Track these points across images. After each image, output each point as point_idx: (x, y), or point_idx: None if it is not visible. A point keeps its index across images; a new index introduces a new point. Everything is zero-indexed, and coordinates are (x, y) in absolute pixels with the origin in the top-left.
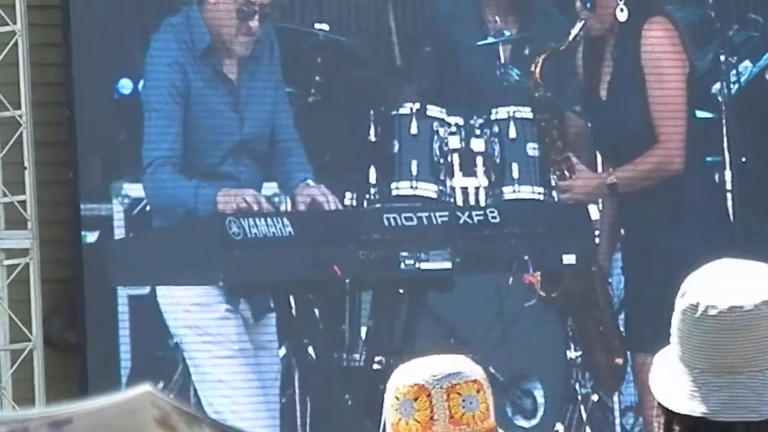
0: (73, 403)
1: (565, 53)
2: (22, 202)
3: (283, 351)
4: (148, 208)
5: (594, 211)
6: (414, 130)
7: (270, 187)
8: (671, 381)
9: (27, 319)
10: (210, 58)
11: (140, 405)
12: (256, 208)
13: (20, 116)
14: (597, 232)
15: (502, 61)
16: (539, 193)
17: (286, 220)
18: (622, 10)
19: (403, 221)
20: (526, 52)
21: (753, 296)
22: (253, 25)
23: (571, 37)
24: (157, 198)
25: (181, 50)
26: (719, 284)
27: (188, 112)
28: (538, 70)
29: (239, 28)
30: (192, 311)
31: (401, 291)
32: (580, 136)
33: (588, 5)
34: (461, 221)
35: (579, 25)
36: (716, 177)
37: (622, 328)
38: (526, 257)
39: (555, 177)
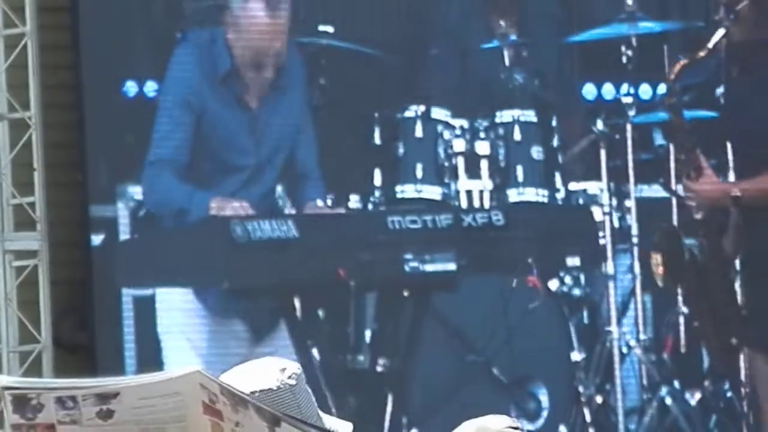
0: (123, 377)
1: (704, 60)
2: (32, 204)
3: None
4: (153, 209)
5: (598, 214)
6: (419, 133)
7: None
8: None
9: (36, 320)
10: (230, 82)
11: (187, 385)
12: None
13: (29, 118)
14: (601, 234)
15: (507, 64)
16: (543, 196)
17: (290, 223)
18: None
19: (408, 224)
20: (527, 54)
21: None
22: (266, 74)
23: (711, 45)
24: (152, 195)
25: (202, 69)
26: None
27: (200, 125)
28: (674, 76)
29: (257, 72)
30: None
31: (406, 293)
32: (708, 139)
33: (731, 15)
34: (465, 224)
35: (720, 32)
36: None
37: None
38: (530, 260)
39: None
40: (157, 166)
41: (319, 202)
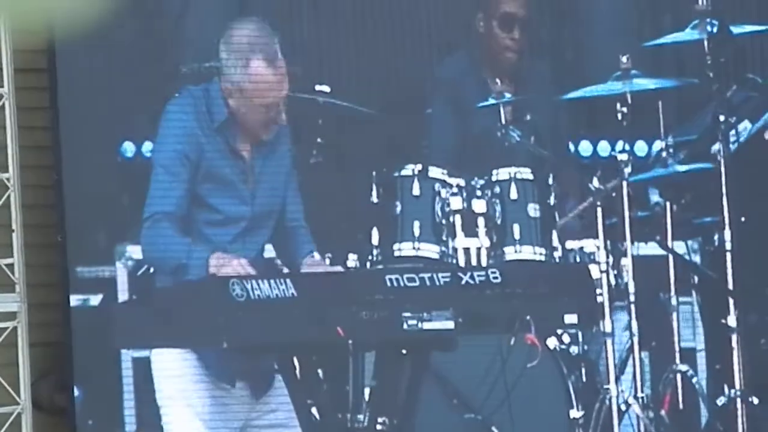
0: None
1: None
2: (10, 266)
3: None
4: (151, 270)
5: (595, 271)
6: (416, 191)
7: (270, 250)
8: None
9: (15, 382)
10: (225, 131)
11: None
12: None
13: (8, 179)
14: (599, 292)
15: (503, 122)
16: (540, 254)
17: (288, 282)
18: None
19: (406, 282)
20: (527, 114)
21: None
22: (280, 119)
23: None
24: (151, 252)
25: (198, 120)
26: None
27: (195, 177)
28: None
29: (266, 122)
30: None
31: (404, 351)
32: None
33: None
34: (463, 282)
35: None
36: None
37: None
38: (528, 317)
39: None
40: (155, 220)
41: (316, 255)
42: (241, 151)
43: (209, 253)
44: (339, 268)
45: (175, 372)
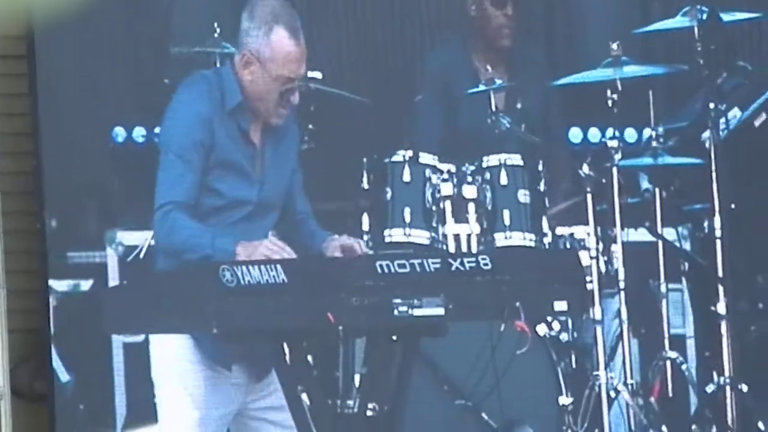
0: None
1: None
2: None
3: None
4: (141, 255)
5: (585, 258)
6: (407, 177)
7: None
8: None
9: None
10: (237, 115)
11: None
12: (277, 257)
13: None
14: (588, 279)
15: (494, 108)
16: (531, 240)
17: (279, 268)
18: None
19: (396, 268)
20: (517, 100)
21: None
22: (293, 99)
23: None
24: (170, 243)
25: (212, 104)
26: None
27: (207, 164)
28: None
29: (278, 102)
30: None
31: (394, 338)
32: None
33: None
34: (453, 268)
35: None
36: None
37: None
38: (517, 304)
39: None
40: (167, 210)
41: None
42: (252, 137)
43: (233, 242)
44: (367, 247)
45: (170, 354)
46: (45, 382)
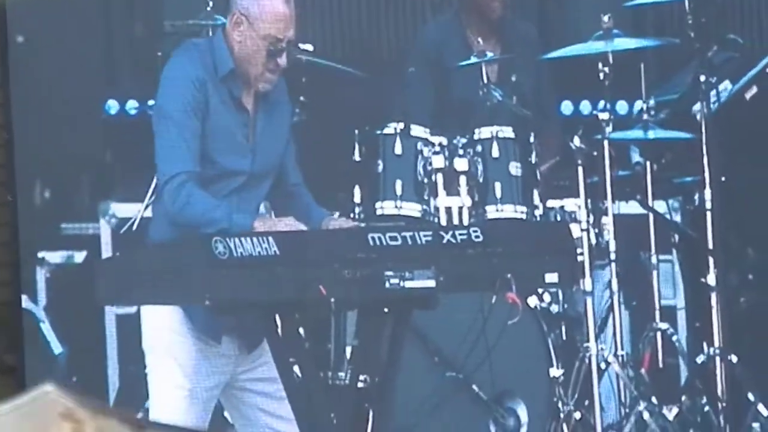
0: None
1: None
2: None
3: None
4: (134, 227)
5: (576, 230)
6: (398, 149)
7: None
8: None
9: None
10: (229, 82)
11: (42, 404)
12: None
13: None
14: (579, 251)
15: (485, 81)
16: (522, 212)
17: (271, 240)
18: None
19: (388, 240)
20: (509, 73)
21: None
22: (280, 61)
23: None
24: (185, 217)
25: (206, 71)
26: None
27: (205, 131)
28: None
29: (266, 65)
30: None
31: (386, 310)
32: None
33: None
34: (445, 240)
35: None
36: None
37: None
38: (509, 276)
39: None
40: (181, 182)
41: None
42: (245, 103)
43: (252, 216)
44: (362, 225)
45: (161, 324)
46: (15, 356)
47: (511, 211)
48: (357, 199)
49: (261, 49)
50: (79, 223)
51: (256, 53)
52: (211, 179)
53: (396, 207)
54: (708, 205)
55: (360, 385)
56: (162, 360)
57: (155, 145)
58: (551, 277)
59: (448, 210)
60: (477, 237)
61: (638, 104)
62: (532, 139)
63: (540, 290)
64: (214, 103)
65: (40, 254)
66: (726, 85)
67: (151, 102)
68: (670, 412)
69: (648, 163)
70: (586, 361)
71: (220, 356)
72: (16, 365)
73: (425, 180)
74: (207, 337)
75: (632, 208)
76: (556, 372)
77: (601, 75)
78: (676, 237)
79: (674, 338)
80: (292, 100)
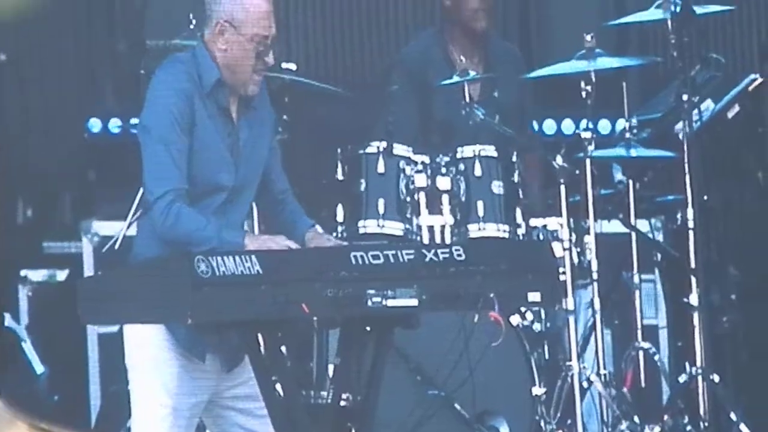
0: None
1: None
2: None
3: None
4: (117, 246)
5: (558, 249)
6: (381, 168)
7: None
8: None
9: None
10: (217, 92)
11: None
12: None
13: None
14: (561, 270)
15: (468, 100)
16: (504, 231)
17: (254, 259)
18: None
19: (371, 259)
20: (492, 91)
21: None
22: (268, 59)
23: None
24: (175, 235)
25: (192, 83)
26: None
27: (192, 146)
28: None
29: (254, 66)
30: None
31: (368, 328)
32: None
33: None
34: (427, 259)
35: None
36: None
37: None
38: (491, 294)
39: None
40: (169, 201)
41: (319, 228)
42: (231, 113)
43: (241, 234)
44: (344, 243)
45: (144, 341)
46: None
47: (493, 229)
48: (340, 217)
49: (249, 51)
50: (61, 242)
51: (243, 57)
52: (198, 196)
53: (378, 225)
54: (690, 224)
55: (342, 403)
56: (145, 377)
57: (143, 162)
58: (534, 296)
59: (431, 229)
60: (459, 256)
61: (621, 123)
62: (514, 158)
63: (522, 309)
64: (200, 117)
65: (22, 273)
66: (708, 104)
67: (134, 120)
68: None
69: (630, 182)
70: (569, 379)
71: (203, 373)
72: None
73: (408, 199)
74: (191, 355)
75: (614, 227)
76: (538, 391)
77: (584, 94)
78: (659, 256)
79: (656, 357)
80: (275, 118)
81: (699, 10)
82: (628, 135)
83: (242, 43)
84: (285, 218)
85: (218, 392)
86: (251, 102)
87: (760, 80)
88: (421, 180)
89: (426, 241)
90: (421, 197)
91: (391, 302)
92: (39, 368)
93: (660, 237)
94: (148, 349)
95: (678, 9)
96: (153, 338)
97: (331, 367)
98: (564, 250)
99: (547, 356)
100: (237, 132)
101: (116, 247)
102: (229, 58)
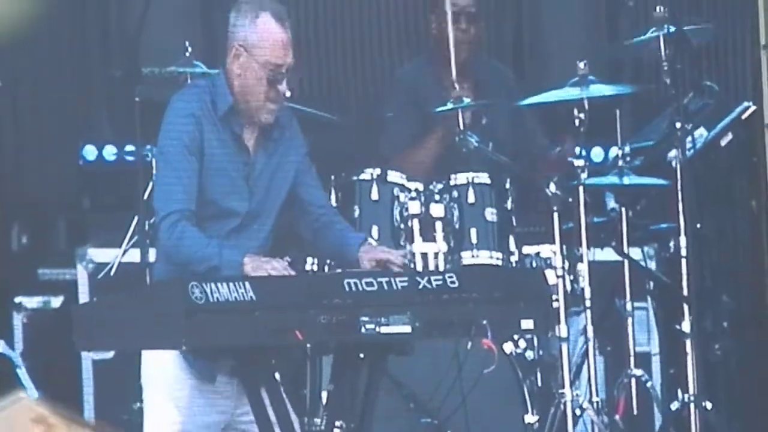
0: None
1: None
2: None
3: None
4: (112, 272)
5: (551, 276)
6: (375, 195)
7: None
8: None
9: None
10: (230, 119)
11: (15, 410)
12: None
13: None
14: (555, 297)
15: (461, 127)
16: (497, 258)
17: (248, 285)
18: None
19: (364, 286)
20: (484, 119)
21: None
22: (281, 88)
23: None
24: (177, 255)
25: (203, 109)
26: None
27: (201, 170)
28: None
29: (267, 94)
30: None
31: (362, 355)
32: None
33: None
34: (421, 286)
35: None
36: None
37: None
38: (484, 322)
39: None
40: (173, 221)
41: (372, 241)
42: (246, 142)
43: (241, 254)
44: (401, 253)
45: (159, 361)
46: None
47: (486, 257)
48: None
49: (262, 78)
50: (56, 269)
51: (256, 84)
52: (209, 218)
53: None
54: (683, 252)
55: (336, 430)
56: (158, 395)
57: (154, 185)
58: (527, 324)
59: (424, 256)
60: (452, 283)
61: (614, 150)
62: (508, 185)
63: (515, 336)
64: (210, 141)
65: (17, 299)
66: (701, 132)
67: (129, 147)
68: None
69: (623, 210)
70: (561, 407)
71: (218, 394)
72: None
73: (401, 225)
74: (201, 376)
75: (607, 254)
76: (531, 418)
77: (577, 121)
78: (651, 284)
79: (649, 384)
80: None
81: (693, 37)
82: (621, 162)
83: (255, 69)
84: (333, 240)
85: (235, 415)
86: (271, 133)
87: (753, 108)
88: (414, 207)
89: (419, 268)
90: (415, 224)
91: (384, 329)
92: (34, 394)
93: (653, 265)
94: (162, 368)
95: (672, 36)
96: (168, 358)
97: (324, 394)
98: (557, 277)
99: (539, 383)
100: (253, 161)
101: (111, 273)
102: (242, 84)
